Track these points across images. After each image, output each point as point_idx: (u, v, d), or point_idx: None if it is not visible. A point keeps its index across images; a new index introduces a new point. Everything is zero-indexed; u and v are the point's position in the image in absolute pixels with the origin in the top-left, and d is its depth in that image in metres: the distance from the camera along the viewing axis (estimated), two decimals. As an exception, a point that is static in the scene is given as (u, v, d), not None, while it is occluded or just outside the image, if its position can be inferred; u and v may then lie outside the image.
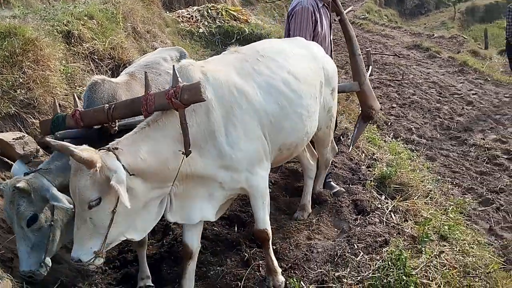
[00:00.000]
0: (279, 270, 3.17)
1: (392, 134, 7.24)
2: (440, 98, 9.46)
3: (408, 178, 4.78)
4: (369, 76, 4.48)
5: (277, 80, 3.03)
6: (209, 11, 11.39)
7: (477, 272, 3.31)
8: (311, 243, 3.66)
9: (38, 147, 3.75)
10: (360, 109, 4.53)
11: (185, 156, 2.48)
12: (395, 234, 3.69)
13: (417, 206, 4.18)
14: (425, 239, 3.43)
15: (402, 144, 6.66)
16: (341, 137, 5.72)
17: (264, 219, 3.00)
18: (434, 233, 3.69)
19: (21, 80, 4.09)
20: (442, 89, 10.06)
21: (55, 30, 5.21)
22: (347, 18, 4.47)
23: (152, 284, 3.21)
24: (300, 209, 4.10)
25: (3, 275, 2.57)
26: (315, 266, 3.35)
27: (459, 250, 3.57)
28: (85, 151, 2.20)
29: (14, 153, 3.55)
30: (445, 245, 3.58)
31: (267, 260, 3.14)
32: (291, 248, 3.59)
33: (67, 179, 2.42)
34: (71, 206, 2.49)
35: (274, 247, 3.36)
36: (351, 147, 4.89)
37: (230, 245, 3.65)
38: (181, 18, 10.86)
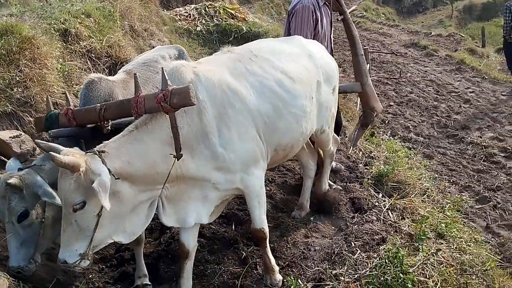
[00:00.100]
0: (277, 268, 3.18)
1: (389, 132, 7.24)
2: (438, 96, 9.48)
3: (405, 176, 4.80)
4: (367, 74, 4.46)
5: (270, 80, 2.97)
6: (207, 9, 11.38)
7: (474, 270, 3.33)
8: (309, 241, 3.67)
9: (35, 145, 3.74)
10: (362, 110, 4.47)
11: (176, 160, 2.44)
12: (392, 232, 3.71)
13: (414, 204, 4.20)
14: (422, 237, 3.43)
15: (400, 142, 6.67)
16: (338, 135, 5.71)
17: (260, 218, 2.99)
18: (431, 231, 3.71)
19: (18, 79, 4.08)
20: (439, 87, 10.08)
21: (52, 28, 5.21)
22: (350, 17, 4.40)
23: (149, 283, 3.20)
24: (298, 208, 4.09)
25: (-1, 274, 2.56)
26: (313, 264, 3.36)
27: (456, 248, 3.59)
28: (68, 155, 2.19)
29: (11, 152, 3.54)
30: (442, 243, 3.60)
31: (265, 258, 3.14)
32: (288, 246, 3.60)
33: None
34: None
35: (271, 245, 3.36)
36: (351, 148, 4.87)
37: (227, 243, 3.65)
38: (178, 16, 10.85)
